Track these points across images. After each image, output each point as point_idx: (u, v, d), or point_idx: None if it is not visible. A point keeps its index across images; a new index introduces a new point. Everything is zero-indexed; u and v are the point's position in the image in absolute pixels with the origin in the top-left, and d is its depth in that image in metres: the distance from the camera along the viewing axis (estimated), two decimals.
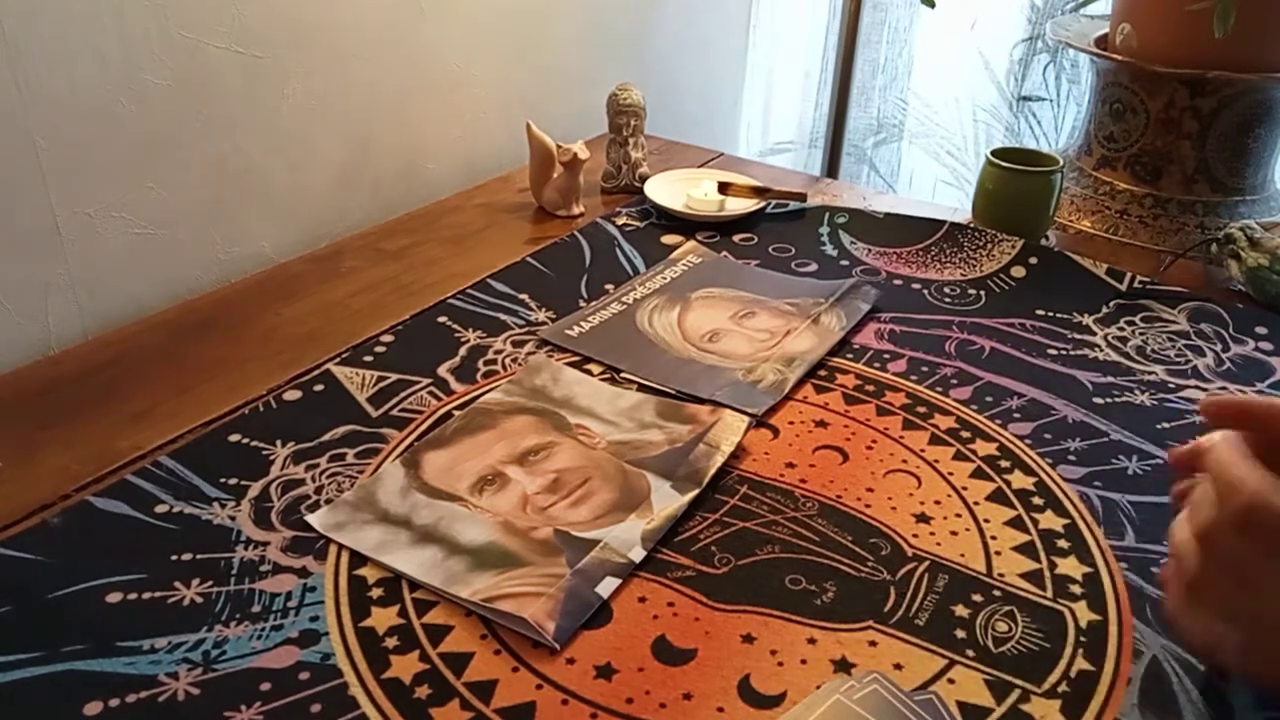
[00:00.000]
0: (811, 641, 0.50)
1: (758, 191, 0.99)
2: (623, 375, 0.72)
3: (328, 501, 0.59)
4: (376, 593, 0.53)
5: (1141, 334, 0.79)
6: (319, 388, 0.70)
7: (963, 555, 0.56)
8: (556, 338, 0.76)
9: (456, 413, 0.67)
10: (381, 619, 0.51)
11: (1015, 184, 0.92)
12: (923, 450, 0.65)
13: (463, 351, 0.75)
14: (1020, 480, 0.62)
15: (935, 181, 1.83)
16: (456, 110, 1.06)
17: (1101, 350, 0.77)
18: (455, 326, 0.78)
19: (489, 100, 1.09)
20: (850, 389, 0.71)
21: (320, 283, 0.85)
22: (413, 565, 0.54)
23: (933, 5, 1.17)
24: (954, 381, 0.72)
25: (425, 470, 0.61)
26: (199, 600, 0.52)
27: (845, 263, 0.90)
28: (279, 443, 0.64)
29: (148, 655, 0.48)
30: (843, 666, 0.49)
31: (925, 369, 0.74)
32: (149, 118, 0.78)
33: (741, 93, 1.61)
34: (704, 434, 0.64)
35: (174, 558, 0.54)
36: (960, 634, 0.51)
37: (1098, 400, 0.71)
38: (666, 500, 0.59)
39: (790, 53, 1.70)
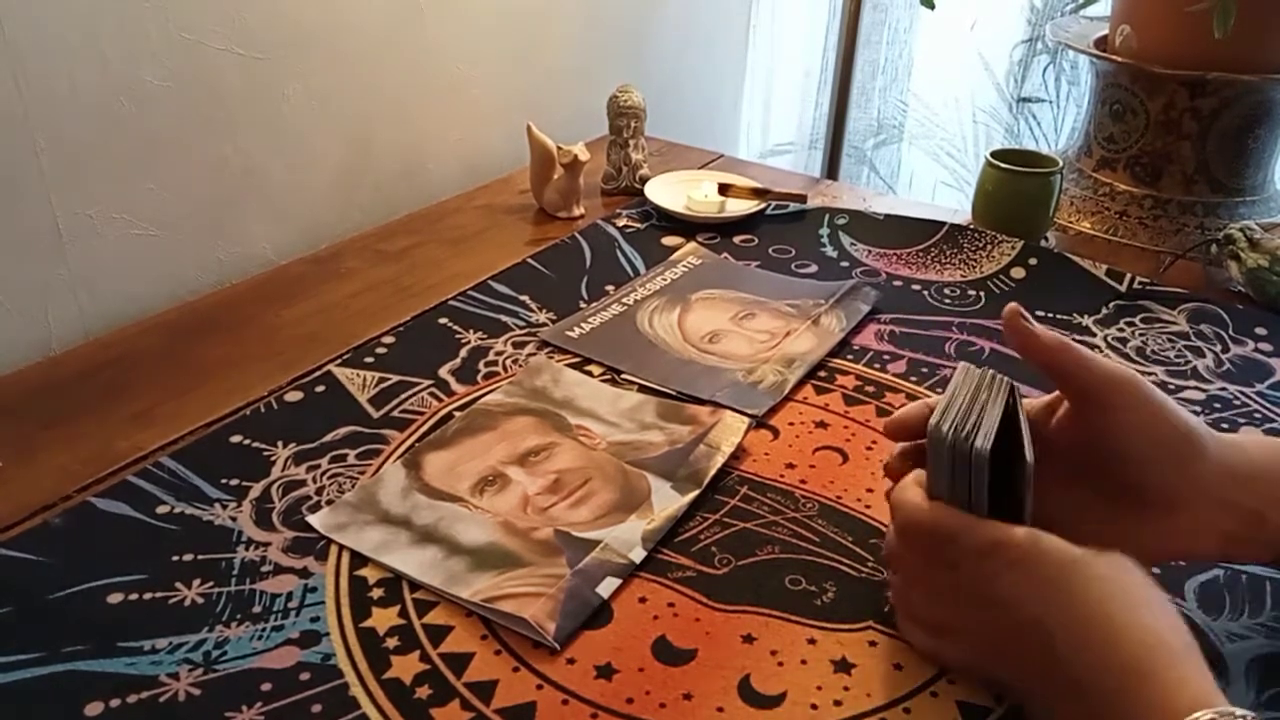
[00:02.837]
0: (811, 642, 0.50)
1: (758, 193, 0.99)
2: (623, 376, 0.72)
3: (329, 502, 0.59)
4: (377, 593, 0.53)
5: (1141, 335, 0.79)
6: (320, 389, 0.70)
7: None
8: (557, 339, 0.76)
9: (457, 414, 0.67)
10: (382, 619, 0.51)
11: (1015, 185, 0.92)
12: None
13: (463, 353, 0.75)
14: None
15: (935, 183, 1.83)
16: (457, 111, 1.06)
17: (1101, 351, 0.77)
18: (456, 328, 0.78)
19: (489, 101, 1.09)
20: (850, 390, 0.71)
21: (321, 284, 0.85)
22: (413, 566, 0.54)
23: (932, 6, 1.17)
24: None
25: (426, 471, 0.62)
26: (200, 601, 0.52)
27: (845, 264, 0.90)
28: (280, 444, 0.64)
29: (149, 656, 0.48)
30: (843, 667, 0.49)
31: (925, 370, 0.74)
32: (149, 118, 0.78)
33: (741, 93, 1.61)
34: (704, 435, 0.64)
35: (175, 558, 0.54)
36: None
37: None
38: (667, 501, 0.59)
39: (790, 53, 1.70)
